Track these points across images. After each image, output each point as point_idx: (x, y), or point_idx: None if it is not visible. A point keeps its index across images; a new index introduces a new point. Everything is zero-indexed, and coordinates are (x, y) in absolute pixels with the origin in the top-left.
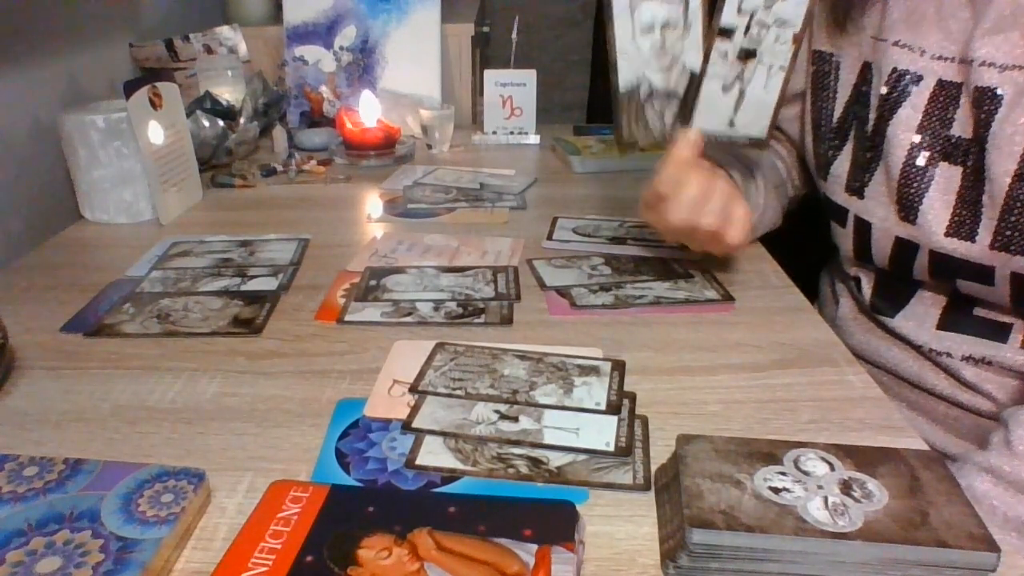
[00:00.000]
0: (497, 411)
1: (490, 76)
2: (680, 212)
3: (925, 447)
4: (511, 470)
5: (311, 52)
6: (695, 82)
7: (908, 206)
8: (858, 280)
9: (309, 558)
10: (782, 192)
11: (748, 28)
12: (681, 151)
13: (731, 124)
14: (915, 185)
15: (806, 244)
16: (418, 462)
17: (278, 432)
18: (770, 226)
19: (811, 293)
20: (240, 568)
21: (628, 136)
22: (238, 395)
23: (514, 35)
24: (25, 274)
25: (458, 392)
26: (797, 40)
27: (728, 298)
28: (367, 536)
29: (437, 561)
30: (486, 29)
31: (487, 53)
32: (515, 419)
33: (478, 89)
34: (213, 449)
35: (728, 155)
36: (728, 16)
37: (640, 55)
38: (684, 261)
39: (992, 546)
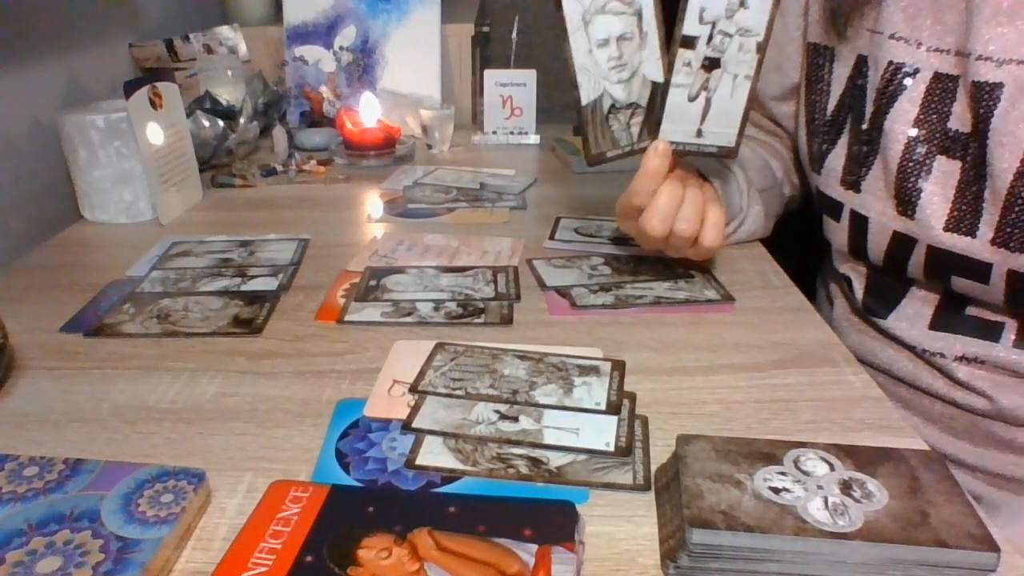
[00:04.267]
0: (497, 411)
1: (490, 76)
2: (654, 221)
3: (925, 447)
4: (511, 470)
5: (311, 52)
6: (660, 92)
7: (906, 200)
8: (849, 280)
9: (309, 558)
10: (774, 193)
11: (711, 37)
12: (651, 163)
13: (699, 134)
14: (913, 179)
15: (806, 244)
16: (418, 462)
17: (278, 432)
18: (760, 230)
19: (811, 293)
20: (240, 568)
21: (595, 148)
22: (238, 395)
23: (514, 35)
24: (25, 274)
25: (458, 392)
26: (761, 49)
27: (728, 298)
28: (367, 536)
29: (437, 561)
30: (486, 29)
31: (487, 53)
32: (515, 419)
33: (478, 89)
34: (213, 449)
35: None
36: (690, 26)
37: (598, 68)
38: (684, 261)
39: (992, 546)
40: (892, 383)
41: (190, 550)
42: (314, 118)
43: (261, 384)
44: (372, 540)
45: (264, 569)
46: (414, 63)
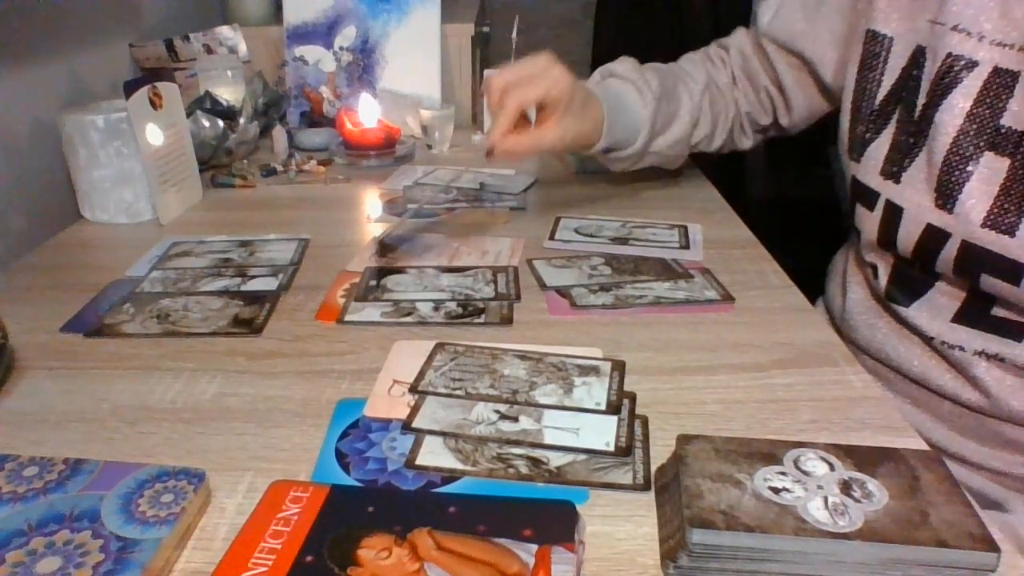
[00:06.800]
0: (497, 411)
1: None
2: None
3: (925, 447)
4: (511, 470)
5: (311, 52)
6: None
7: (947, 194)
8: (875, 268)
9: (309, 558)
10: (684, 120)
11: None
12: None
13: None
14: (957, 173)
15: (807, 244)
16: (418, 462)
17: (278, 432)
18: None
19: (811, 293)
20: (240, 568)
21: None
22: (238, 395)
23: (514, 35)
24: (25, 274)
25: (458, 392)
26: None
27: (728, 298)
28: (367, 536)
29: (437, 561)
30: (486, 29)
31: (487, 53)
32: (515, 419)
33: (478, 89)
34: (213, 449)
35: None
36: None
37: None
38: (684, 261)
39: (992, 546)
40: (901, 380)
41: (190, 550)
42: (314, 118)
43: (261, 384)
44: (372, 540)
45: (264, 569)
46: (414, 63)
